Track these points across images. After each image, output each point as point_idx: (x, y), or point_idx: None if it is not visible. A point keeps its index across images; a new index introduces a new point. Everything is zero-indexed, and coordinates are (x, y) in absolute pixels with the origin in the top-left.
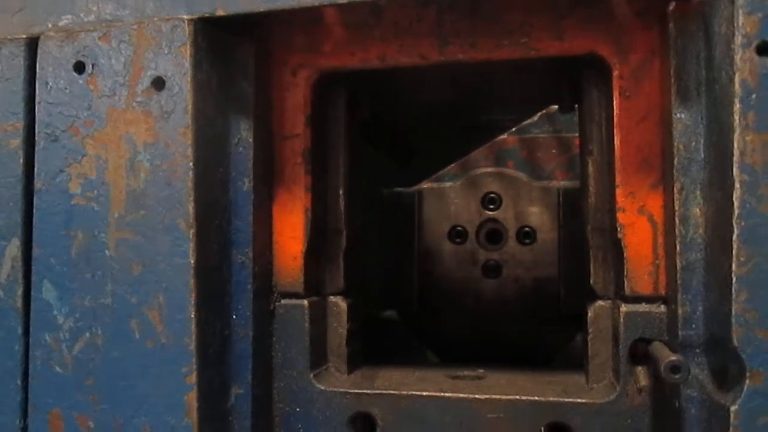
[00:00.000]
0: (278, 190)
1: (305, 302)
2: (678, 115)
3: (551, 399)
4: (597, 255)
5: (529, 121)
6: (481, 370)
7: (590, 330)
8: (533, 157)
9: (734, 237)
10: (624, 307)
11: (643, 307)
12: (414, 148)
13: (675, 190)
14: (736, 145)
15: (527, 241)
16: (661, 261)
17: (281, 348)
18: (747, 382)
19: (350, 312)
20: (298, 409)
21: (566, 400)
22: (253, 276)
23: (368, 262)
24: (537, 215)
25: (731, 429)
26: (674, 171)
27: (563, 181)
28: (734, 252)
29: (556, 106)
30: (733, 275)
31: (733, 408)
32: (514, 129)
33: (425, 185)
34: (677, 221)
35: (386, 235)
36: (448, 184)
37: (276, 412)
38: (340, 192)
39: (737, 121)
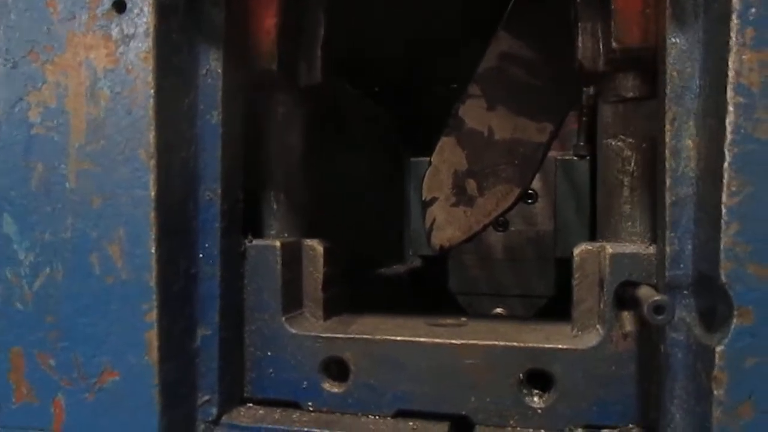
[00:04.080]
0: None
1: (277, 243)
2: (673, 39)
3: (531, 345)
4: None
5: None
6: (464, 319)
7: (576, 275)
8: None
9: (725, 165)
10: (610, 249)
11: (630, 248)
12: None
13: (667, 120)
14: (731, 65)
15: (530, 201)
16: None
17: (252, 290)
18: (734, 320)
19: (327, 256)
20: (269, 353)
21: (546, 346)
22: (221, 214)
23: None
24: (537, 180)
25: (716, 371)
26: (666, 100)
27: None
28: (725, 181)
29: None
30: (722, 206)
31: (718, 348)
32: None
33: None
34: (668, 154)
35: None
36: None
37: (247, 356)
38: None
39: (734, 38)
